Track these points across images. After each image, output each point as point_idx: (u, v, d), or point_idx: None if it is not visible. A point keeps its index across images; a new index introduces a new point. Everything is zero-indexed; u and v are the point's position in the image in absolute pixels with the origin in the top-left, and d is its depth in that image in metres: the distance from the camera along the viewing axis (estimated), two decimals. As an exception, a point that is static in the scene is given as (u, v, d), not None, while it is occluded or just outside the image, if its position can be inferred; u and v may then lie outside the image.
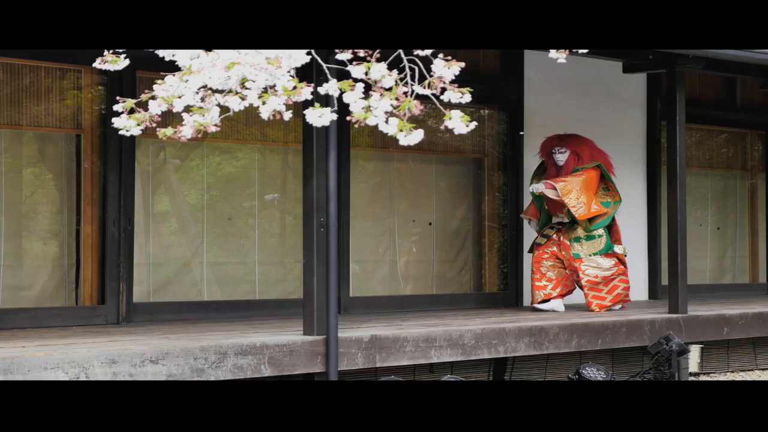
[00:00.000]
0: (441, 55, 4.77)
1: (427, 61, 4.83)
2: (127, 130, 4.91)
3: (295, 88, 4.73)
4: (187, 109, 4.86)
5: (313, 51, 4.85)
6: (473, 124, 4.77)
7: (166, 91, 4.73)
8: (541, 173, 11.22)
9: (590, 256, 10.89)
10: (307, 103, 4.86)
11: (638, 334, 10.06)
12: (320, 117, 4.78)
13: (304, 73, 4.85)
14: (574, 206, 10.72)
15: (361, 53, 4.77)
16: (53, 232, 9.40)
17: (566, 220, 10.96)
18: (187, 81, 4.79)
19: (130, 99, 4.95)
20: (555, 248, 10.98)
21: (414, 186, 11.39)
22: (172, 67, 4.95)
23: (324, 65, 4.84)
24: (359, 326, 9.09)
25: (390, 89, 4.73)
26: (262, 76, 4.73)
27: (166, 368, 7.57)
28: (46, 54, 8.95)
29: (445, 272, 11.58)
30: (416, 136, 4.69)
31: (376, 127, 4.71)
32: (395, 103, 4.71)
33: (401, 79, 4.78)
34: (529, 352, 9.34)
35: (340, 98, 4.79)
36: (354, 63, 4.75)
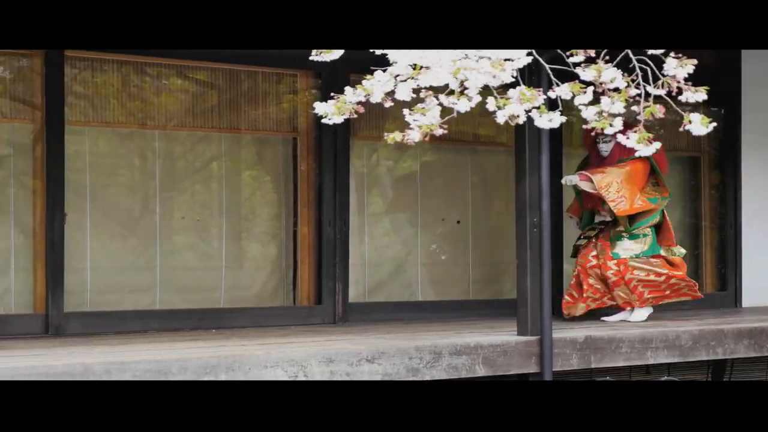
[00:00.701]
0: (672, 54, 4.71)
1: (655, 61, 4.78)
2: (330, 118, 4.96)
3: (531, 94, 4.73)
4: (390, 97, 4.86)
5: (534, 52, 4.84)
6: (713, 125, 4.72)
7: (374, 86, 4.77)
8: (585, 166, 9.94)
9: (634, 257, 9.57)
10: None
11: None
12: (550, 121, 4.78)
13: (524, 74, 4.85)
14: (614, 200, 9.39)
15: (592, 53, 4.74)
16: (271, 233, 9.59)
17: (609, 218, 9.66)
18: (405, 80, 4.81)
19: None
20: (596, 251, 9.70)
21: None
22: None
23: (547, 66, 4.83)
24: (573, 327, 9.04)
25: (617, 90, 4.70)
26: (484, 77, 4.74)
27: (382, 367, 7.64)
28: (264, 59, 9.13)
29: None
30: (652, 148, 4.67)
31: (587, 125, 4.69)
32: (637, 109, 4.67)
33: (632, 81, 4.74)
34: (749, 354, 9.13)
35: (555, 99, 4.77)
36: (583, 65, 4.73)
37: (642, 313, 9.61)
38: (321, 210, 9.54)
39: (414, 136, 4.79)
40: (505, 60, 4.64)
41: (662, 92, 4.68)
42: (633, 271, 9.53)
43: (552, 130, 7.97)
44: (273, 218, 9.59)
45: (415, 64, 4.76)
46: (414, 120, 4.79)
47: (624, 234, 9.57)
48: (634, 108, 4.68)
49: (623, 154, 9.46)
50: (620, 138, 4.81)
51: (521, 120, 4.75)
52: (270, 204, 9.61)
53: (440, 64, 4.69)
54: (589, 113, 4.74)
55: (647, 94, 4.70)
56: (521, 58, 4.74)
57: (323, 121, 5.03)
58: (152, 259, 9.11)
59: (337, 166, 9.56)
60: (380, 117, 9.83)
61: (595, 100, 4.77)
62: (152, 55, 8.91)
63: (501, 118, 4.74)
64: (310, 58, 4.96)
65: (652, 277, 9.57)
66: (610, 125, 4.71)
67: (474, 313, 10.01)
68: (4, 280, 8.55)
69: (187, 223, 9.21)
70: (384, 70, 4.85)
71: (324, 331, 8.78)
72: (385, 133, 4.97)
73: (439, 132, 4.81)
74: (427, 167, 10.26)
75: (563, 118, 4.79)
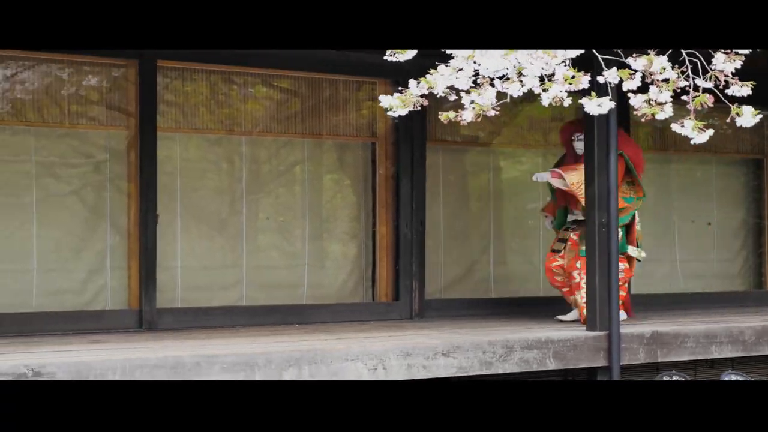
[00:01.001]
0: (721, 50, 4.68)
1: (704, 55, 4.75)
2: (394, 110, 4.95)
3: (574, 77, 4.70)
4: (453, 91, 4.86)
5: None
6: (758, 116, 4.67)
7: (437, 80, 4.77)
8: (561, 164, 9.29)
9: None
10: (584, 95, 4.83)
11: None
12: (599, 106, 4.76)
13: (579, 64, 4.82)
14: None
15: None
16: (351, 233, 9.64)
17: (582, 217, 8.93)
18: (461, 70, 4.80)
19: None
20: (563, 251, 9.08)
21: (693, 186, 11.19)
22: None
23: (599, 57, 4.81)
24: (640, 322, 9.00)
25: (666, 81, 4.66)
26: (538, 64, 4.72)
27: (457, 361, 7.65)
28: (344, 68, 9.17)
29: (725, 271, 11.34)
30: (706, 135, 4.62)
31: (654, 129, 4.67)
32: (685, 98, 4.64)
33: (682, 72, 4.71)
34: (811, 348, 9.04)
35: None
36: (634, 55, 4.70)
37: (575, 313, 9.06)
38: (398, 211, 9.57)
39: (467, 116, 4.80)
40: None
41: (710, 85, 4.64)
42: None
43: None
44: (353, 219, 9.62)
45: (470, 54, 4.75)
46: (470, 102, 4.78)
47: None
48: (684, 97, 4.64)
49: None
50: (675, 126, 4.72)
51: (566, 103, 4.72)
52: (350, 206, 9.64)
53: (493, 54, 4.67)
54: (637, 100, 4.70)
55: (695, 86, 4.65)
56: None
57: (388, 113, 5.01)
58: (238, 258, 9.18)
59: (413, 170, 9.58)
60: (456, 122, 9.82)
61: (643, 90, 4.72)
62: (239, 64, 8.99)
63: (545, 100, 4.71)
64: (384, 57, 4.95)
65: None
66: (662, 112, 4.66)
67: (544, 309, 9.96)
68: (101, 278, 8.66)
69: (272, 224, 9.27)
70: (446, 64, 4.84)
71: (401, 327, 8.80)
72: (440, 113, 4.95)
73: (491, 113, 4.78)
74: (499, 169, 10.26)
75: (612, 104, 4.75)
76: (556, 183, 8.87)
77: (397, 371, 7.47)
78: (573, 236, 9.01)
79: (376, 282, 9.58)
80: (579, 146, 8.91)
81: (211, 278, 9.06)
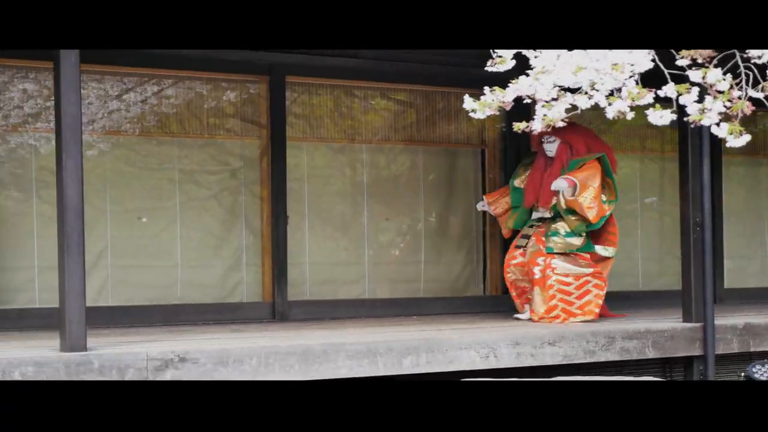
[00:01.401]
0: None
1: (761, 68, 4.76)
2: (474, 112, 4.98)
3: (638, 92, 4.74)
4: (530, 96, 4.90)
5: (656, 58, 4.82)
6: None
7: (519, 90, 4.81)
8: (529, 164, 8.84)
9: (566, 253, 8.44)
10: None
11: None
12: (661, 117, 4.77)
13: (648, 78, 4.85)
14: (590, 207, 8.30)
15: (699, 59, 4.73)
16: (464, 233, 9.67)
17: (549, 215, 8.56)
18: (538, 79, 4.84)
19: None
20: (523, 248, 8.62)
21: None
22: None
23: (666, 71, 4.82)
24: (733, 315, 8.95)
25: (722, 92, 4.69)
26: (608, 79, 4.74)
27: (562, 350, 7.65)
28: (456, 81, 9.21)
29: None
30: (743, 139, 4.64)
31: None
32: (728, 104, 4.65)
33: (736, 84, 4.72)
34: None
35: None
36: (693, 68, 4.73)
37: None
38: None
39: (536, 126, 4.83)
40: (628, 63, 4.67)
41: (761, 95, 4.66)
42: (555, 271, 8.39)
43: (713, 139, 7.97)
44: (465, 220, 9.67)
45: (541, 66, 4.80)
46: (543, 114, 4.83)
47: (561, 231, 8.49)
48: (727, 103, 4.66)
49: (572, 156, 8.54)
50: (714, 129, 4.72)
51: (629, 116, 4.75)
52: (462, 207, 9.70)
53: (563, 66, 4.72)
54: (693, 108, 4.72)
55: (747, 96, 4.67)
56: (642, 62, 4.73)
57: (470, 114, 5.04)
58: (361, 256, 9.28)
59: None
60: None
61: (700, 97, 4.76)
62: (360, 79, 9.08)
63: (610, 113, 4.75)
64: (485, 68, 5.00)
65: (570, 279, 8.39)
66: (708, 118, 4.68)
67: (643, 302, 9.93)
68: (238, 274, 8.83)
69: (391, 225, 9.34)
70: (526, 75, 4.89)
71: (511, 318, 8.81)
72: (513, 123, 4.99)
73: (560, 125, 4.82)
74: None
75: (673, 116, 4.77)
76: (568, 192, 8.30)
77: (507, 359, 7.48)
78: (537, 232, 8.53)
79: (487, 277, 9.63)
80: (549, 148, 8.59)
81: (336, 274, 9.18)
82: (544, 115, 4.77)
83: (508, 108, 4.87)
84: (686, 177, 8.22)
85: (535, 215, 8.70)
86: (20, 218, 8.05)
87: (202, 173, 8.71)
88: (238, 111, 8.78)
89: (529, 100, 4.89)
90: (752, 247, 10.82)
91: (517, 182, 8.82)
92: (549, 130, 4.89)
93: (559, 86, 4.80)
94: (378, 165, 9.41)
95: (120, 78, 8.38)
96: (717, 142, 10.12)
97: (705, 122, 4.66)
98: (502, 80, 4.97)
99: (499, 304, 9.47)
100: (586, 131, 8.71)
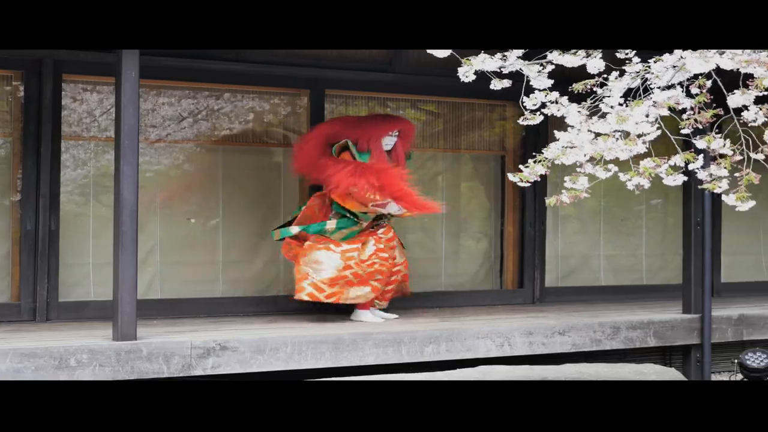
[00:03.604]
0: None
1: (757, 131, 4.84)
2: (522, 182, 5.09)
3: (654, 165, 4.86)
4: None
5: (662, 125, 4.89)
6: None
7: (553, 153, 4.92)
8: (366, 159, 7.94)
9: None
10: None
11: None
12: (674, 180, 4.92)
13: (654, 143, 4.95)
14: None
15: (700, 126, 4.81)
16: (483, 231, 9.65)
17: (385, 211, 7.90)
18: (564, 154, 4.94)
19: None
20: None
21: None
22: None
23: (672, 136, 4.92)
24: (729, 306, 8.93)
25: (724, 156, 4.79)
26: (622, 154, 4.85)
27: (571, 339, 7.67)
28: (480, 93, 9.17)
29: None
30: (747, 206, 4.75)
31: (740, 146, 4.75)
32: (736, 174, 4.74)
33: (738, 148, 4.81)
34: None
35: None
36: (697, 137, 4.82)
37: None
38: (524, 213, 9.56)
39: (565, 199, 4.96)
40: (638, 136, 4.77)
41: (761, 157, 4.73)
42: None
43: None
44: (485, 219, 9.65)
45: (561, 151, 4.93)
46: (565, 187, 4.96)
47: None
48: (736, 174, 4.77)
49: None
50: (724, 198, 4.79)
51: (646, 187, 4.86)
52: (482, 208, 9.66)
53: (582, 144, 4.84)
54: (702, 174, 4.88)
55: (749, 159, 4.77)
56: (651, 133, 4.80)
57: (520, 185, 5.13)
58: (390, 253, 9.25)
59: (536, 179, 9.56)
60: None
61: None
62: (393, 92, 9.07)
63: (630, 186, 4.85)
64: (518, 121, 5.08)
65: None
66: (719, 187, 4.85)
67: (646, 295, 9.91)
68: (274, 269, 8.82)
69: (417, 223, 9.33)
70: (557, 139, 5.02)
71: (524, 310, 8.84)
72: (546, 198, 5.16)
73: (584, 196, 4.95)
74: (610, 177, 10.18)
75: (685, 178, 4.90)
76: (395, 210, 7.78)
77: (520, 347, 7.52)
78: (381, 233, 7.92)
79: (504, 272, 9.60)
80: (388, 141, 7.99)
81: (365, 269, 9.15)
82: (570, 188, 4.93)
83: (547, 173, 5.01)
84: (689, 181, 8.15)
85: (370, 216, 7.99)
86: (80, 219, 8.09)
87: (245, 178, 8.69)
88: (282, 122, 8.78)
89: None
90: (747, 244, 10.74)
91: None
92: (573, 200, 4.97)
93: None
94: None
95: (173, 92, 8.40)
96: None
97: (717, 191, 4.82)
98: (517, 93, 5.03)
99: (515, 297, 9.48)
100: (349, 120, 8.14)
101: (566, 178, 4.94)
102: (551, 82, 4.99)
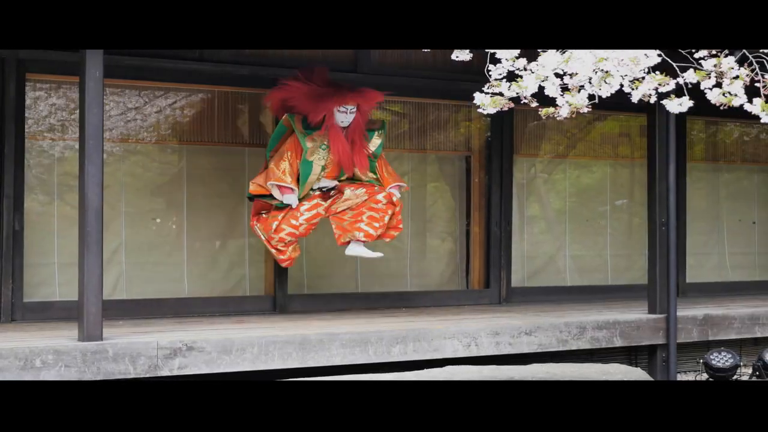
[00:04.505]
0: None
1: None
2: (484, 108, 4.95)
3: (663, 77, 4.71)
4: (535, 99, 4.86)
5: (663, 53, 4.81)
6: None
7: (528, 84, 4.77)
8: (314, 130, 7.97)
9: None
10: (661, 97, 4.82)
11: None
12: (680, 105, 4.75)
13: (655, 71, 4.82)
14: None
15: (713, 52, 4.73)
16: (449, 231, 9.66)
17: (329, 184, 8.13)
18: (546, 78, 4.79)
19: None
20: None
21: (739, 191, 11.03)
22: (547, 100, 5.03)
23: (674, 64, 4.80)
24: (694, 307, 8.97)
25: (737, 77, 4.67)
26: (624, 70, 4.72)
27: (537, 339, 7.67)
28: (447, 94, 9.21)
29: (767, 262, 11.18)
30: None
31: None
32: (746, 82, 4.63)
33: (752, 71, 4.71)
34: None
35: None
36: (706, 58, 4.71)
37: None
38: (489, 213, 9.57)
39: (563, 112, 4.80)
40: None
41: None
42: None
43: (678, 145, 7.89)
44: (451, 219, 9.65)
45: (567, 57, 4.76)
46: (565, 102, 4.79)
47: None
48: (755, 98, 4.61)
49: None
50: (747, 106, 4.66)
51: (652, 99, 4.71)
52: (448, 209, 9.67)
53: (583, 61, 4.69)
54: (713, 95, 4.69)
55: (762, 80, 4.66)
56: (652, 56, 4.70)
57: (478, 110, 5.01)
58: (355, 253, 9.24)
59: (502, 178, 9.60)
60: (538, 138, 9.86)
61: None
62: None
63: (635, 97, 4.70)
64: (452, 57, 4.93)
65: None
66: (738, 98, 4.65)
67: (612, 295, 9.95)
68: (241, 269, 8.78)
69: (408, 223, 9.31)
70: (532, 71, 4.85)
71: (491, 310, 8.83)
72: (539, 109, 4.94)
73: (584, 111, 4.78)
74: (574, 178, 10.23)
75: (691, 103, 4.75)
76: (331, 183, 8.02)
77: (487, 347, 7.51)
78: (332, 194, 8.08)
79: (470, 272, 9.60)
80: (342, 119, 7.86)
81: (331, 269, 9.12)
82: (567, 102, 4.76)
83: (506, 108, 4.84)
84: (653, 181, 8.24)
85: (317, 185, 8.02)
86: (44, 219, 8.03)
87: (209, 177, 8.65)
88: (246, 121, 8.73)
89: (525, 100, 4.87)
90: (711, 245, 10.81)
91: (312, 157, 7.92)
92: (570, 116, 4.81)
93: (557, 75, 4.79)
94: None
95: (138, 92, 8.35)
96: (682, 149, 10.12)
97: (735, 103, 4.63)
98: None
99: (481, 297, 9.49)
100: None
101: (559, 95, 4.78)
102: (517, 51, 4.92)
